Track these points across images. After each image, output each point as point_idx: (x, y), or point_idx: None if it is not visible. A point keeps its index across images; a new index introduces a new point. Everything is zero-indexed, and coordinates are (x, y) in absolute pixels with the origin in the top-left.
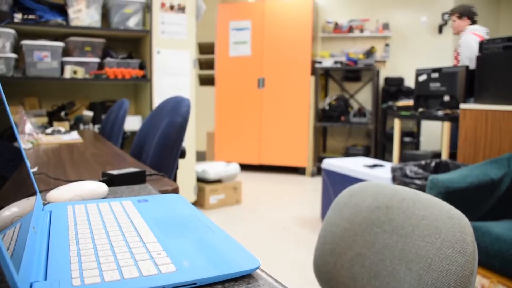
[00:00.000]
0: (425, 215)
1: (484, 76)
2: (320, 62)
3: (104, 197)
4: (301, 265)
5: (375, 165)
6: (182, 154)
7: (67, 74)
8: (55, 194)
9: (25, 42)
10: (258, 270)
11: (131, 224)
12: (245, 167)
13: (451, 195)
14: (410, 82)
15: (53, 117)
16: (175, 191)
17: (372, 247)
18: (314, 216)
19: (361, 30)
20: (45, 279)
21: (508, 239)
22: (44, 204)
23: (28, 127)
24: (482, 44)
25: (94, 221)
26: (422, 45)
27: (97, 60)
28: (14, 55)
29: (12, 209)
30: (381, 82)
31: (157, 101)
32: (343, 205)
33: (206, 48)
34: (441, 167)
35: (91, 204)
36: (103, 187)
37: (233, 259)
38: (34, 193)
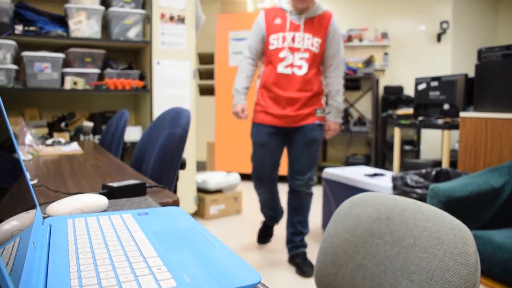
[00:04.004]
0: (427, 226)
1: (483, 84)
2: None
3: (104, 210)
4: (303, 277)
5: (375, 174)
6: (182, 166)
7: (68, 85)
8: (55, 207)
9: (26, 53)
10: (259, 285)
11: (131, 238)
12: (245, 177)
13: (452, 204)
14: (409, 91)
15: (53, 128)
16: (176, 203)
17: (373, 258)
18: (315, 226)
19: (360, 39)
20: None
21: (510, 247)
22: (44, 218)
23: (28, 138)
24: (480, 53)
25: (94, 235)
26: (421, 54)
27: (97, 71)
28: (14, 67)
29: (12, 223)
30: (381, 91)
31: (157, 111)
32: (343, 216)
33: (206, 58)
34: (442, 176)
35: (91, 218)
36: (103, 200)
37: (234, 273)
38: (33, 206)
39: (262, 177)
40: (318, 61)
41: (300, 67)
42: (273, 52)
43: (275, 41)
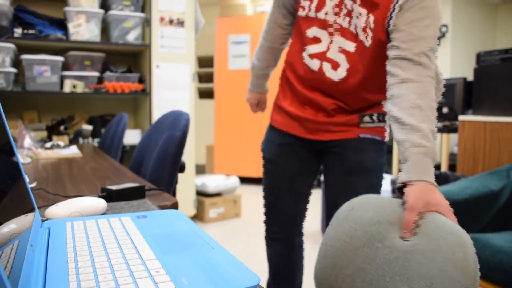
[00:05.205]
0: (427, 231)
1: (482, 88)
2: None
3: (103, 213)
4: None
5: None
6: (182, 169)
7: (67, 88)
8: (53, 210)
9: (25, 56)
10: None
11: (130, 241)
12: (244, 180)
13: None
14: None
15: (52, 131)
16: (174, 206)
17: (372, 262)
18: (315, 229)
19: None
20: None
21: (509, 251)
22: (43, 221)
23: (27, 141)
24: (479, 56)
25: (92, 238)
26: None
27: (96, 74)
28: (14, 70)
29: (10, 226)
30: None
31: (156, 114)
32: (343, 218)
33: (205, 62)
34: (441, 179)
35: (90, 221)
36: (102, 203)
37: (233, 276)
38: (32, 209)
39: (273, 218)
40: (373, 61)
41: (334, 65)
42: (302, 22)
43: (308, 3)
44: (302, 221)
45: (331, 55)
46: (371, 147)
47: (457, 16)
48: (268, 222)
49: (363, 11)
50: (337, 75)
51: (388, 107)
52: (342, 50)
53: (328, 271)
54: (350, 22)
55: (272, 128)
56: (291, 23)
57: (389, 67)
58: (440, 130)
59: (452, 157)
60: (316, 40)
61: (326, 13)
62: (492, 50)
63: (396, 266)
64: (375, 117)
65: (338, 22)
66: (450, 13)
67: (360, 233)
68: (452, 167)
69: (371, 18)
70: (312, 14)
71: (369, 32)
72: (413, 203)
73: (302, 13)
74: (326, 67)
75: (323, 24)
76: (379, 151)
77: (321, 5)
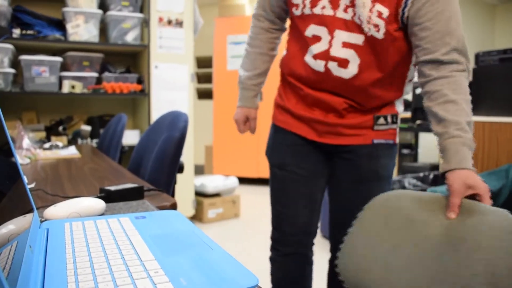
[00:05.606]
0: (471, 212)
1: (481, 88)
2: None
3: (102, 214)
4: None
5: None
6: (180, 169)
7: (65, 88)
8: (52, 211)
9: (23, 57)
10: None
11: (129, 242)
12: (243, 181)
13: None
14: (407, 95)
15: (51, 131)
16: (173, 206)
17: (411, 239)
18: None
19: None
20: None
21: None
22: (41, 222)
23: (26, 142)
24: (478, 57)
25: (91, 239)
26: None
27: (95, 74)
28: (12, 70)
29: (9, 227)
30: None
31: (155, 115)
32: (378, 206)
33: (204, 62)
34: (440, 179)
35: (89, 221)
36: (100, 204)
37: (231, 276)
38: (31, 210)
39: (285, 229)
40: (387, 53)
41: (342, 62)
42: (298, 21)
43: (301, 0)
44: (315, 233)
45: (336, 53)
46: (385, 153)
47: None
48: (279, 235)
49: (367, 0)
50: (348, 73)
51: (425, 102)
52: (349, 45)
53: (357, 251)
54: (354, 13)
55: (277, 130)
56: (280, 28)
57: (420, 68)
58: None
59: None
60: (317, 38)
61: (323, 7)
62: (491, 50)
63: (440, 239)
64: (389, 119)
65: (338, 16)
66: None
67: (396, 218)
68: None
69: (379, 7)
70: (307, 11)
71: (380, 22)
72: (456, 187)
73: (296, 12)
74: (333, 66)
75: (321, 20)
76: (391, 156)
77: (314, 0)
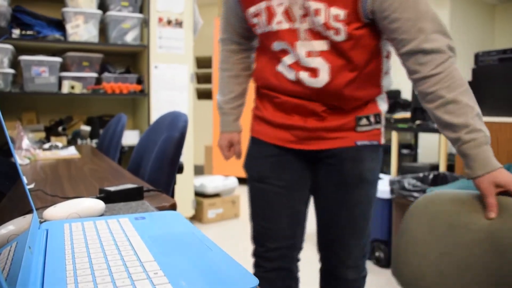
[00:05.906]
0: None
1: (480, 88)
2: None
3: (101, 214)
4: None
5: None
6: (180, 169)
7: (65, 89)
8: (51, 212)
9: (23, 57)
10: None
11: (128, 243)
12: (243, 181)
13: None
14: (407, 95)
15: (50, 132)
16: (173, 207)
17: (458, 245)
18: (313, 231)
19: None
20: None
21: None
22: (41, 222)
23: (26, 142)
24: (477, 57)
25: (91, 240)
26: None
27: (94, 75)
28: (12, 71)
29: (8, 227)
30: None
31: (155, 115)
32: (419, 213)
33: (203, 62)
34: (439, 180)
35: (88, 222)
36: (100, 204)
37: (231, 277)
38: (30, 211)
39: (268, 244)
40: (356, 54)
41: (312, 72)
42: (263, 38)
43: (257, 19)
44: (300, 248)
45: (304, 63)
46: (369, 155)
47: (455, 16)
48: (262, 251)
49: (320, 5)
50: (319, 82)
51: (422, 102)
52: (314, 53)
53: (409, 259)
54: (312, 22)
55: (255, 141)
56: (248, 48)
57: (404, 63)
58: (439, 130)
59: (450, 157)
60: (285, 52)
61: (279, 22)
62: (490, 50)
63: (485, 243)
64: (372, 119)
65: (295, 27)
66: (448, 14)
67: (438, 224)
68: (450, 167)
69: (334, 10)
70: (266, 28)
71: (339, 25)
72: (487, 190)
73: (258, 30)
74: (304, 76)
75: (280, 35)
76: (376, 159)
77: (270, 16)
